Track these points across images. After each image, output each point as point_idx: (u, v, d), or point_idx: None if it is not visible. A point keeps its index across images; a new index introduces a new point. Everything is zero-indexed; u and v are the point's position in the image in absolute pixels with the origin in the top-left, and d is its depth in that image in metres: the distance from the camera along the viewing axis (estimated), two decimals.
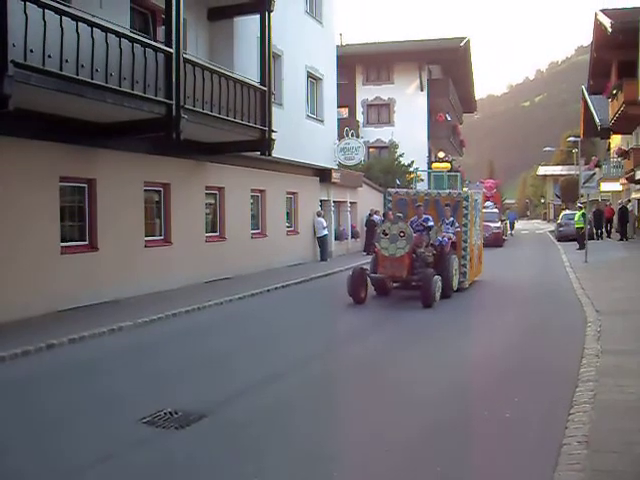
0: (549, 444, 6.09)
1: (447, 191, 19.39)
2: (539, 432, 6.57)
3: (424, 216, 16.91)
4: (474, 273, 19.25)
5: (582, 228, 31.32)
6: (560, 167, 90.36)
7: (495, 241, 35.38)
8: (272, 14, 18.92)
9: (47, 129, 13.46)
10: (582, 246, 29.80)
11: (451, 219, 17.56)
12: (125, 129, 14.99)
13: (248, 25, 20.06)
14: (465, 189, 19.43)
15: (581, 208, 34.80)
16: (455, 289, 16.94)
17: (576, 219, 33.69)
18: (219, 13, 19.57)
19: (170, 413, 7.25)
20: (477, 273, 19.94)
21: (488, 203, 44.49)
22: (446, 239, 16.80)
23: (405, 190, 19.59)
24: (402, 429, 6.80)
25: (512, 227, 53.55)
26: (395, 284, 17.25)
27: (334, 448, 6.34)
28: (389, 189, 19.98)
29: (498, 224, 38.24)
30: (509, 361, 9.87)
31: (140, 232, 16.70)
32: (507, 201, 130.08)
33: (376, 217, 29.78)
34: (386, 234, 15.59)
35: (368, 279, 16.32)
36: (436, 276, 15.31)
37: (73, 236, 14.88)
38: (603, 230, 40.77)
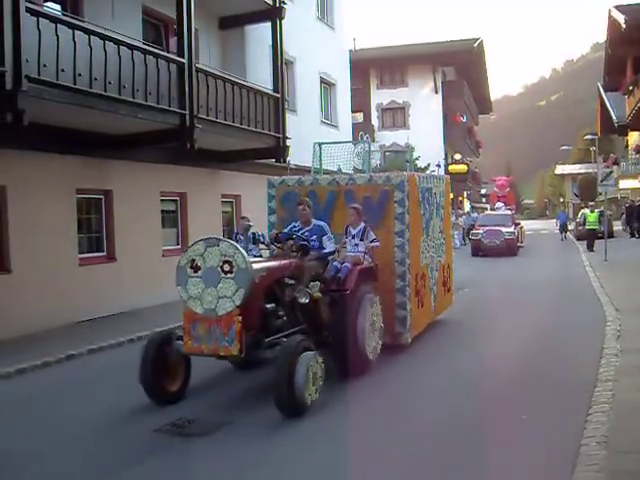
0: (567, 445, 6.04)
1: (366, 176, 11.55)
2: (557, 433, 6.54)
3: (314, 222, 9.86)
4: (429, 313, 12.26)
5: (595, 230, 30.20)
6: (578, 166, 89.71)
7: (508, 249, 30.43)
8: (283, 21, 19.02)
9: (62, 142, 13.60)
10: (591, 248, 29.34)
11: (361, 226, 9.90)
12: (140, 140, 15.11)
13: (260, 33, 20.15)
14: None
15: (593, 209, 33.70)
16: (371, 356, 9.41)
17: (592, 220, 31.22)
18: (230, 22, 19.68)
19: (188, 422, 7.29)
20: (441, 308, 13.18)
21: (499, 204, 41.91)
22: (346, 265, 9.29)
23: (297, 178, 11.87)
24: None
25: (565, 230, 43.70)
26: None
27: None
28: (270, 178, 12.25)
29: (511, 229, 31.87)
30: (528, 361, 9.78)
31: (158, 242, 16.79)
32: (525, 201, 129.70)
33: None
34: (197, 269, 7.69)
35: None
36: (306, 353, 7.54)
37: (91, 247, 15.00)
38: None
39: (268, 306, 8.25)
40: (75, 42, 11.65)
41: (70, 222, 14.20)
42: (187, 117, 14.57)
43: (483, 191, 71.30)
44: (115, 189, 15.42)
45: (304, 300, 8.56)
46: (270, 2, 18.71)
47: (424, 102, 48.67)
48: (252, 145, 18.25)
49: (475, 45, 49.02)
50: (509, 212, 37.31)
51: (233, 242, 7.84)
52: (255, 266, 7.91)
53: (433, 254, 12.48)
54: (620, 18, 33.53)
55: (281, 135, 18.73)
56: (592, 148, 59.37)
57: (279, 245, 9.62)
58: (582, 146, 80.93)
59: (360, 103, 44.12)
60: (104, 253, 15.28)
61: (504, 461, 5.95)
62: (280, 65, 19.05)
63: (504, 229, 31.27)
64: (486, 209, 50.21)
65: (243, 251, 7.69)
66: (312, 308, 8.90)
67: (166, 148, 15.89)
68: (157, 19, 17.53)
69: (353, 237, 9.93)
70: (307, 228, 9.73)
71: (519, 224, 35.61)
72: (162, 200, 17.21)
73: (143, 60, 13.43)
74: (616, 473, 5.25)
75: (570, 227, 45.37)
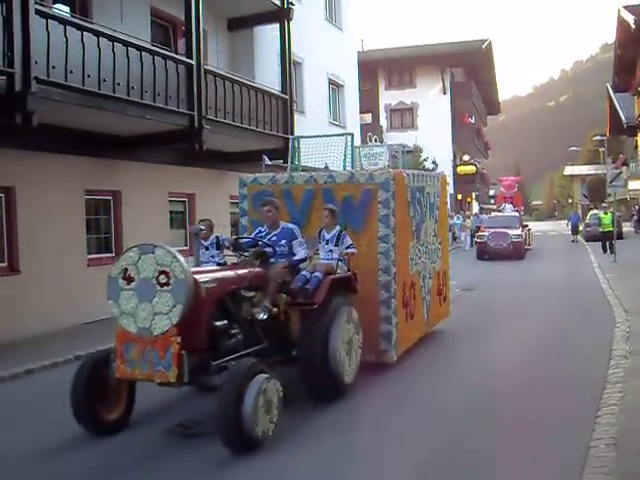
0: (576, 447, 6.01)
1: (348, 173, 10.36)
2: (566, 435, 6.50)
3: (283, 225, 8.70)
4: (420, 326, 11.04)
5: (611, 231, 27.55)
6: (587, 167, 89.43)
7: (515, 252, 29.05)
8: (291, 22, 19.05)
9: (71, 143, 13.65)
10: (606, 249, 27.80)
11: (335, 230, 8.82)
12: (148, 141, 15.16)
13: (268, 34, 20.17)
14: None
15: (607, 210, 31.19)
16: (347, 379, 8.16)
17: (607, 222, 28.83)
18: (239, 23, 19.71)
19: (194, 423, 7.26)
20: (436, 320, 12.07)
21: (506, 205, 39.94)
22: (316, 275, 8.14)
23: (271, 176, 10.71)
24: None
25: (576, 232, 42.47)
26: None
27: None
28: (242, 176, 11.12)
29: (518, 231, 30.45)
30: (536, 363, 9.74)
31: (166, 243, 16.79)
32: (534, 202, 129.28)
33: None
34: (130, 280, 6.70)
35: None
36: (258, 377, 6.42)
37: (99, 248, 15.04)
38: None
39: (218, 323, 7.08)
40: (84, 43, 11.69)
41: (79, 223, 14.25)
42: (195, 118, 14.60)
43: (492, 192, 71.14)
44: (124, 190, 15.46)
45: (262, 316, 7.51)
46: (278, 3, 18.74)
47: (432, 103, 48.61)
48: (260, 146, 18.21)
49: (483, 46, 48.96)
50: (516, 214, 35.80)
51: (171, 249, 6.60)
52: (201, 277, 6.96)
53: (426, 260, 11.30)
54: (629, 18, 33.47)
55: (289, 136, 18.72)
56: (601, 149, 59.18)
57: (243, 252, 8.40)
58: (591, 147, 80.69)
59: (368, 104, 44.07)
60: (113, 254, 15.29)
61: (512, 462, 5.94)
62: (288, 66, 19.07)
63: (511, 231, 29.92)
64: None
65: (182, 259, 6.52)
66: (279, 324, 7.97)
67: (174, 149, 15.93)
68: (165, 20, 17.56)
69: (327, 242, 8.81)
70: (274, 232, 8.59)
71: (527, 226, 34.34)
72: (170, 201, 17.26)
73: (151, 61, 13.47)
74: (625, 475, 5.22)
75: (579, 228, 44.93)
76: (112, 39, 12.44)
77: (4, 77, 10.32)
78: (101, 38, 12.16)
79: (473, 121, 54.50)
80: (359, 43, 38.90)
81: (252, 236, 8.85)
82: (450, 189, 45.21)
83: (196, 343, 6.69)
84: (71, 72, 11.40)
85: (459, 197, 53.30)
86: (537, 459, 5.97)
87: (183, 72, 14.41)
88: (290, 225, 8.74)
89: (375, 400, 8.18)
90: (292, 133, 18.81)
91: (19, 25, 10.38)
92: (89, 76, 11.79)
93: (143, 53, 13.26)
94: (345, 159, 11.46)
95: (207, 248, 9.63)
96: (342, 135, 11.74)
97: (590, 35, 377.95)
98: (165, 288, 6.42)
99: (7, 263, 12.85)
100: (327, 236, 8.81)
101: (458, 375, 9.30)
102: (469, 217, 43.30)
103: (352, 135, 11.54)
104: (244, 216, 10.66)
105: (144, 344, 6.50)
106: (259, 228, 8.95)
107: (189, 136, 14.71)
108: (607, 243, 28.05)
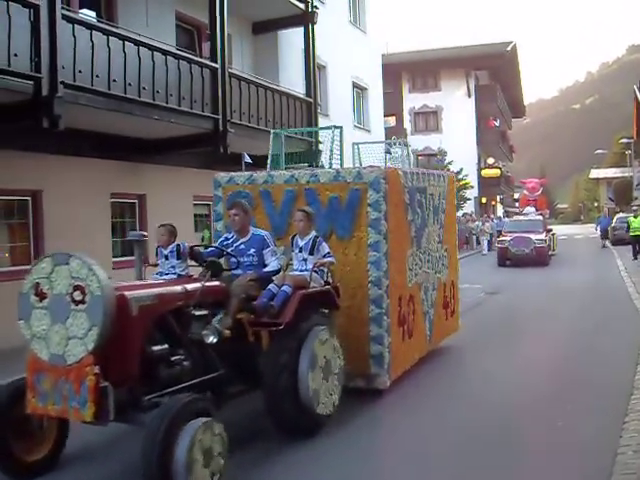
0: (604, 453, 5.93)
1: (332, 171, 8.97)
2: (593, 441, 6.42)
3: (252, 232, 7.55)
4: (421, 345, 9.68)
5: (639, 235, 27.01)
6: (613, 169, 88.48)
7: (539, 258, 27.24)
8: (315, 26, 19.09)
9: (97, 147, 13.77)
10: (636, 255, 27.09)
11: (310, 235, 7.57)
12: (173, 144, 15.25)
13: (292, 37, 20.24)
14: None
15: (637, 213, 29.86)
16: (322, 410, 6.82)
17: (636, 225, 27.75)
18: (263, 27, 19.80)
19: None
20: (441, 336, 10.70)
21: (529, 208, 38.11)
22: (284, 290, 6.89)
23: (249, 175, 9.51)
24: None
25: (606, 236, 40.18)
26: None
27: None
28: (217, 175, 9.89)
29: (542, 236, 28.64)
30: (562, 369, 9.66)
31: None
32: (559, 205, 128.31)
33: None
34: (43, 297, 5.42)
35: None
36: (196, 421, 5.07)
37: (125, 251, 15.13)
38: None
39: (155, 348, 5.89)
40: (110, 48, 11.81)
41: (105, 226, 14.38)
42: (220, 121, 14.68)
43: (516, 195, 70.77)
44: (149, 193, 15.58)
45: (211, 339, 6.19)
46: (302, 7, 18.79)
47: (457, 106, 48.47)
48: (285, 149, 18.26)
49: (508, 49, 48.73)
50: (540, 217, 34.09)
51: (87, 259, 5.40)
52: (132, 292, 5.84)
53: (428, 270, 9.95)
54: None
55: (313, 139, 18.76)
56: (627, 152, 58.65)
57: (202, 263, 7.24)
58: (617, 150, 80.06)
59: (392, 107, 43.97)
60: None
61: (537, 468, 5.89)
62: (312, 69, 19.14)
63: (534, 236, 28.12)
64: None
65: (100, 272, 5.33)
66: (243, 347, 6.74)
67: (199, 152, 16.00)
68: (190, 25, 17.67)
69: (300, 250, 7.57)
70: (242, 240, 7.45)
71: (551, 230, 32.72)
72: (195, 204, 17.34)
73: (176, 65, 13.57)
74: None
75: None
76: (137, 43, 12.56)
77: (31, 82, 10.44)
78: (127, 42, 12.28)
79: (498, 124, 54.30)
80: (383, 46, 38.72)
81: (216, 244, 7.90)
82: (474, 192, 45.10)
83: (125, 373, 5.60)
84: (97, 76, 11.51)
85: (483, 200, 53.04)
86: (564, 465, 5.91)
87: (208, 76, 14.49)
88: (261, 231, 7.63)
89: (363, 431, 7.08)
90: (316, 136, 18.82)
91: (46, 30, 10.50)
92: (115, 80, 11.90)
93: (168, 57, 13.36)
94: (332, 155, 10.51)
95: (167, 257, 8.35)
96: (329, 128, 10.93)
97: (616, 36, 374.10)
98: (80, 307, 5.27)
99: None
100: (301, 243, 7.59)
101: (468, 385, 9.05)
102: (487, 221, 41.84)
103: (341, 128, 10.75)
104: (219, 220, 9.46)
105: (57, 374, 5.33)
106: (225, 235, 8.01)
107: (214, 139, 14.79)
108: (638, 247, 27.27)
